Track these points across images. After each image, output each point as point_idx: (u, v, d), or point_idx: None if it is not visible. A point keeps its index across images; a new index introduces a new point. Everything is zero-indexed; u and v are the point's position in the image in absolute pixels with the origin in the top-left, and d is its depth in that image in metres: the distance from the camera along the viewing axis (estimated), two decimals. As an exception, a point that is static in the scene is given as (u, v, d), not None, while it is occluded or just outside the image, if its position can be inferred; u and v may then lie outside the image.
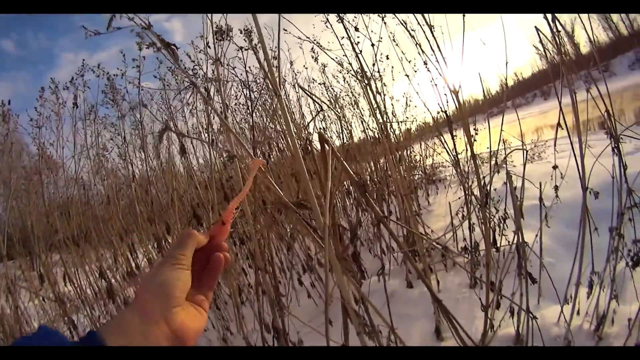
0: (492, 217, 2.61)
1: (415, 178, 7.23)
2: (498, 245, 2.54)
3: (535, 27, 1.94)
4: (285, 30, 2.75)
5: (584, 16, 2.01)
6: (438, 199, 6.47)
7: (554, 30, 1.86)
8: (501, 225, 2.56)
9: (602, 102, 1.88)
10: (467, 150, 2.41)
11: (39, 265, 3.57)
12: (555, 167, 2.16)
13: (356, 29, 2.96)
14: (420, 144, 7.69)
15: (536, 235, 2.23)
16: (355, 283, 1.69)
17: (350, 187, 4.67)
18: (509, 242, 2.25)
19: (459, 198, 4.43)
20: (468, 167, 3.74)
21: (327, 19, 2.91)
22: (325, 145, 1.41)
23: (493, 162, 2.29)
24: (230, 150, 1.75)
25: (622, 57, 61.89)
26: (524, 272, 1.83)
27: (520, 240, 1.80)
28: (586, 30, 2.08)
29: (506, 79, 2.21)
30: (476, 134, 2.72)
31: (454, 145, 2.96)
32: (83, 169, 4.10)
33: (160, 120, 4.07)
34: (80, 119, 3.87)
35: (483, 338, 2.07)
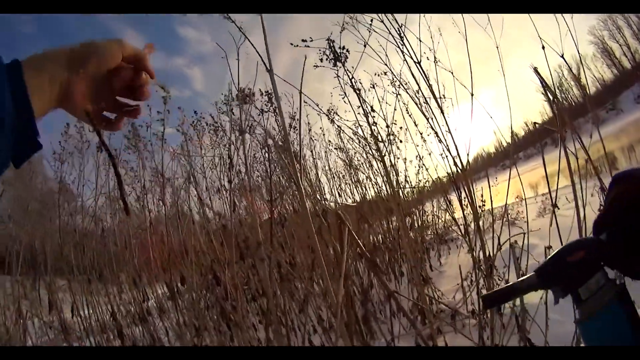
0: (497, 284, 2.68)
1: (427, 238, 7.24)
2: (501, 310, 2.60)
3: (535, 68, 2.01)
4: (306, 102, 2.94)
5: (589, 55, 2.04)
6: (450, 259, 6.46)
7: (560, 76, 1.89)
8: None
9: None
10: (473, 217, 2.52)
11: (39, 287, 3.67)
12: (549, 248, 2.16)
13: (372, 110, 3.17)
14: (433, 203, 7.72)
15: (541, 297, 2.28)
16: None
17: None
18: (510, 307, 2.31)
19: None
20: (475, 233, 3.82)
21: (345, 93, 3.12)
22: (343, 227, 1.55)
23: (498, 233, 2.36)
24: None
25: (628, 92, 61.84)
26: (524, 338, 1.91)
27: (520, 309, 1.88)
28: (584, 69, 2.13)
29: (507, 136, 2.33)
30: (483, 203, 2.81)
31: (464, 219, 3.05)
32: (101, 208, 4.32)
33: (181, 173, 4.29)
34: (104, 164, 4.14)
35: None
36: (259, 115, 3.26)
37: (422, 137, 4.06)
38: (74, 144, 4.06)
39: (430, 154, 4.78)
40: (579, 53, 2.17)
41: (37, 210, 4.04)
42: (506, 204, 2.58)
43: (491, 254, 2.29)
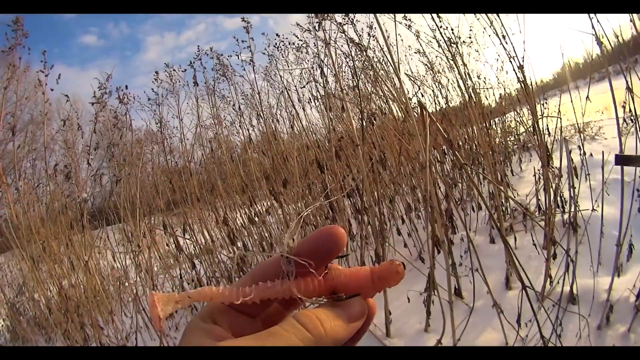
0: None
1: (510, 144, 7.25)
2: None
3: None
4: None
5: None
6: (531, 165, 6.52)
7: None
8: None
9: None
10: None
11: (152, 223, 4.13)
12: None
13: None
14: (516, 111, 7.59)
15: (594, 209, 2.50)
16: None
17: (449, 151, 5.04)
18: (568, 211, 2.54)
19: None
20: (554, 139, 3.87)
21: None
22: (424, 111, 1.86)
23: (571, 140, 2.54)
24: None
25: None
26: (569, 224, 2.19)
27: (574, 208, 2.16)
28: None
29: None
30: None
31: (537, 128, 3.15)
32: (202, 137, 4.81)
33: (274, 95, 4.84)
34: (200, 96, 4.56)
35: (543, 290, 2.44)
36: (338, 29, 3.55)
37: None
38: (165, 87, 4.34)
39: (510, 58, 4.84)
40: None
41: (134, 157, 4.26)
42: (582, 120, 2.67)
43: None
